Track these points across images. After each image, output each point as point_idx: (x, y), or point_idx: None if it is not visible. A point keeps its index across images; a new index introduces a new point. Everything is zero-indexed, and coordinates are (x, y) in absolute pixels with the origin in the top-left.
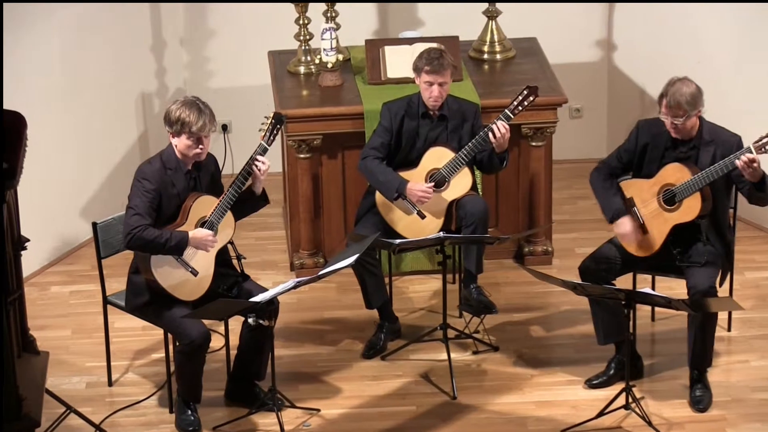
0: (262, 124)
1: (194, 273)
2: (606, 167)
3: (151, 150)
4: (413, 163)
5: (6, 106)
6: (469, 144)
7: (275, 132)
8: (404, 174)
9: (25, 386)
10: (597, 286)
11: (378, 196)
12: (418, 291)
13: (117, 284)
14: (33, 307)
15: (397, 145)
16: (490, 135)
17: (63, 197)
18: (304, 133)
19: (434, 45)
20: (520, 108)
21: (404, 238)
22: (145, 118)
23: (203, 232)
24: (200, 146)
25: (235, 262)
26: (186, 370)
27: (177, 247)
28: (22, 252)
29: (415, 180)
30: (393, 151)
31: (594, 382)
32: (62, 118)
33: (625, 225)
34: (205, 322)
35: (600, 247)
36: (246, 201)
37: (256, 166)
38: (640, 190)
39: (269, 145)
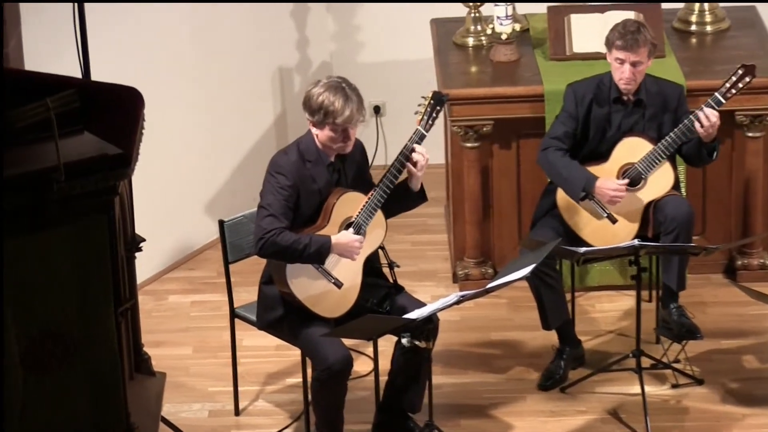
0: (419, 105)
1: (338, 284)
2: None
3: (289, 135)
4: (603, 156)
5: (122, 80)
6: (671, 134)
7: (435, 115)
8: (592, 169)
9: (138, 413)
10: None
11: (560, 194)
12: (606, 310)
13: (247, 294)
14: (148, 320)
15: (584, 134)
16: (696, 124)
17: (185, 190)
18: (471, 117)
19: (631, 15)
20: (733, 91)
21: (591, 245)
22: (283, 98)
23: (349, 237)
24: (346, 140)
25: (386, 270)
26: (323, 400)
27: (317, 255)
28: (137, 254)
29: (606, 176)
30: (579, 142)
31: None
32: (185, 97)
33: None
34: (349, 343)
35: None
36: (399, 199)
37: (412, 158)
38: None
39: (427, 131)
